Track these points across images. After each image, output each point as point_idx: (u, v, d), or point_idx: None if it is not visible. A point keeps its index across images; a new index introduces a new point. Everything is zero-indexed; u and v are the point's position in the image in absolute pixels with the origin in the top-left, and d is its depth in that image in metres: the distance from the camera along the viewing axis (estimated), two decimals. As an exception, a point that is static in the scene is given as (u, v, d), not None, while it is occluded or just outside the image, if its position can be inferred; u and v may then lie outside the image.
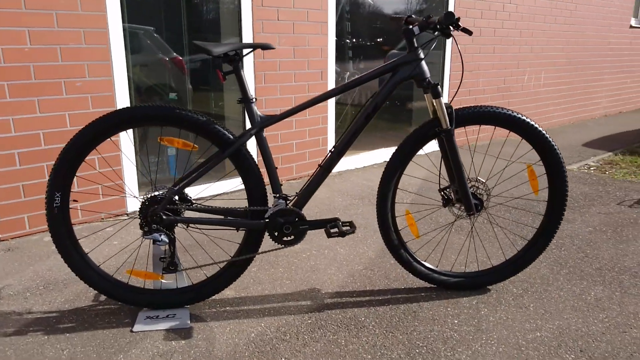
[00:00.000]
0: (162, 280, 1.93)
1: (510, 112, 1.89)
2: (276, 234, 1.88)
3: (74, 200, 1.88)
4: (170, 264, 1.83)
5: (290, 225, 1.86)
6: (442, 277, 2.09)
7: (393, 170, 1.95)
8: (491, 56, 5.09)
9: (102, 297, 2.05)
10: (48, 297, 2.05)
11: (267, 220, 1.85)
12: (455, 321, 1.89)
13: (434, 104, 1.86)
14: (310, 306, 1.99)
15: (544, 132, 1.91)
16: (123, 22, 2.78)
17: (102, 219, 2.89)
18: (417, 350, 1.71)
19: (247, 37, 3.30)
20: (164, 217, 1.77)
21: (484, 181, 1.99)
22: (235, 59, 1.75)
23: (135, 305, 1.91)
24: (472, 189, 1.96)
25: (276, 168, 1.85)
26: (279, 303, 2.01)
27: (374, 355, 1.69)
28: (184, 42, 3.37)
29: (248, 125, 3.43)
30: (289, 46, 3.50)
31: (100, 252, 2.48)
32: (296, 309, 1.97)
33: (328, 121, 3.87)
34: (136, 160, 3.01)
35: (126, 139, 2.90)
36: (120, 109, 1.73)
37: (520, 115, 1.90)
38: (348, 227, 1.88)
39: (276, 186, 1.87)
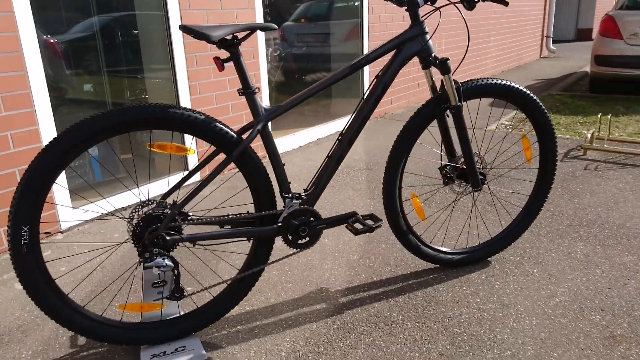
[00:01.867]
0: (162, 310, 1.64)
1: (509, 83, 1.86)
2: (290, 237, 1.68)
3: (46, 233, 1.50)
4: (176, 290, 1.56)
5: (306, 226, 1.67)
6: (448, 256, 2.05)
7: (400, 155, 1.83)
8: (407, 24, 5.13)
9: (82, 340, 1.70)
10: (9, 353, 1.65)
11: (279, 224, 1.65)
12: (478, 300, 1.86)
13: (443, 80, 1.76)
14: (327, 309, 1.84)
15: (540, 103, 1.92)
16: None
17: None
18: (459, 338, 1.65)
19: (174, 13, 2.92)
20: (168, 237, 1.48)
21: (482, 155, 1.96)
22: (234, 44, 1.49)
23: (136, 344, 1.60)
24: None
25: (283, 165, 1.64)
26: (293, 311, 1.83)
27: (421, 352, 1.60)
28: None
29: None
30: (218, 23, 3.18)
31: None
32: (314, 315, 1.81)
33: (261, 79, 3.62)
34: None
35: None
36: (100, 114, 1.39)
37: (519, 87, 1.88)
38: (372, 221, 1.74)
39: (285, 185, 1.66)
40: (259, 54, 3.52)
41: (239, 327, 1.75)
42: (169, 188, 1.58)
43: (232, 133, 1.54)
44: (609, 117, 3.44)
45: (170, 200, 1.57)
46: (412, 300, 1.88)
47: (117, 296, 1.95)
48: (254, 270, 1.67)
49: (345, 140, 1.72)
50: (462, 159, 1.94)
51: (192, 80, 3.08)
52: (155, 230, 1.48)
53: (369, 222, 1.73)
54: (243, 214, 1.62)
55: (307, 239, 1.71)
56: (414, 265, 2.12)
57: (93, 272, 2.14)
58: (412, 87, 5.55)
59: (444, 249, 2.05)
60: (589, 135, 3.50)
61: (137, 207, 1.52)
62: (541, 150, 2.02)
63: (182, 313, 1.68)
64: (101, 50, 2.97)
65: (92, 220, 2.66)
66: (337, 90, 4.94)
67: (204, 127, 1.49)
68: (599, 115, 3.57)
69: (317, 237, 1.72)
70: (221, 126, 1.52)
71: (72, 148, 1.37)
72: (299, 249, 1.71)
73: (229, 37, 1.48)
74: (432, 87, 1.85)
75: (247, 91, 1.54)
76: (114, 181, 3.13)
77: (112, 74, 3.06)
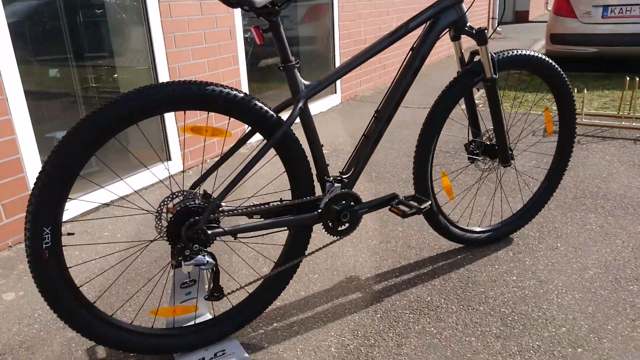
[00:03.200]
0: (197, 312, 1.48)
1: (540, 56, 1.81)
2: (331, 224, 1.56)
3: (70, 234, 1.29)
4: (215, 289, 1.40)
5: (347, 211, 1.55)
6: (475, 236, 2.00)
7: (432, 131, 1.74)
8: (370, 4, 5.04)
9: (101, 352, 1.51)
10: (17, 374, 1.44)
11: (319, 210, 1.52)
12: (514, 278, 1.82)
13: (479, 51, 1.68)
14: (364, 298, 1.73)
15: (565, 78, 1.89)
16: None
17: (10, 246, 2.16)
18: (509, 319, 1.60)
19: (150, -9, 2.67)
20: (209, 231, 1.32)
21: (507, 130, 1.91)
22: (275, 12, 1.33)
23: (171, 352, 1.43)
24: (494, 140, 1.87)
25: (322, 145, 1.50)
26: (328, 303, 1.71)
27: (476, 335, 1.53)
28: None
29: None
30: (196, 1, 2.95)
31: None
32: (352, 305, 1.69)
33: (239, 61, 3.42)
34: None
35: (24, 127, 2.16)
36: (133, 93, 1.20)
37: (549, 60, 1.83)
38: (416, 202, 1.64)
39: (325, 168, 1.53)
40: (236, 34, 3.32)
41: (275, 324, 1.61)
42: (199, 176, 1.41)
43: (272, 113, 1.38)
44: (584, 92, 3.52)
45: (199, 190, 1.40)
46: (448, 282, 1.80)
47: (143, 300, 1.75)
48: (294, 262, 1.54)
49: (384, 116, 1.60)
50: (487, 135, 1.89)
51: (172, 62, 2.85)
52: (194, 225, 1.31)
53: (413, 203, 1.63)
54: (279, 202, 1.47)
55: (347, 225, 1.59)
56: (438, 247, 2.05)
57: (118, 278, 1.92)
58: (378, 69, 5.49)
59: (471, 228, 2.00)
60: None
61: (167, 199, 1.35)
62: (562, 123, 1.99)
63: (212, 314, 1.52)
64: (66, 31, 2.67)
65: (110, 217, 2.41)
66: (307, 71, 4.79)
67: (245, 107, 1.33)
68: (575, 92, 3.65)
69: (357, 222, 1.60)
70: (261, 105, 1.36)
71: (97, 136, 1.18)
72: (338, 237, 1.59)
73: (269, 5, 1.32)
74: (461, 59, 1.77)
75: (289, 65, 1.39)
76: (89, 175, 2.86)
77: (80, 59, 2.77)
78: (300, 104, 1.41)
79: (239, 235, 1.43)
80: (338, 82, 4.71)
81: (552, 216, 2.27)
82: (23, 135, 2.16)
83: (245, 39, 3.53)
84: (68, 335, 1.59)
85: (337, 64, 4.65)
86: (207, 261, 1.34)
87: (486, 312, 1.63)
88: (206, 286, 1.50)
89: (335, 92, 4.70)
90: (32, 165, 2.21)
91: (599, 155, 3.02)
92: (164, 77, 2.82)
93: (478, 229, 2.01)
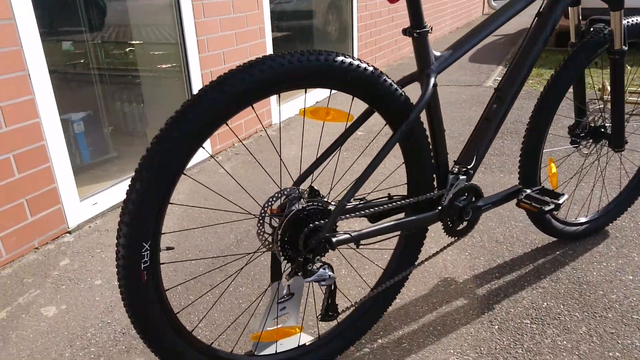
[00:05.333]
0: (302, 334, 1.23)
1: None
2: (451, 224, 1.32)
3: (167, 248, 1.02)
4: (331, 307, 1.15)
5: (470, 208, 1.31)
6: (573, 229, 1.79)
7: (547, 113, 1.51)
8: (385, -25, 4.74)
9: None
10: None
11: (440, 208, 1.27)
12: (630, 277, 1.62)
13: (612, 18, 1.44)
14: (471, 305, 1.51)
15: None
16: None
17: (37, 247, 1.86)
18: (648, 327, 1.40)
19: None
20: (334, 239, 1.06)
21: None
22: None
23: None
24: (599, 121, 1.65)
25: (444, 131, 1.26)
26: (432, 312, 1.48)
27: (619, 350, 1.32)
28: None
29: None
30: (224, -36, 2.62)
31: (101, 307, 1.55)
32: (462, 315, 1.47)
33: (266, 34, 3.12)
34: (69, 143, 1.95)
35: (48, 103, 1.84)
36: (247, 67, 0.92)
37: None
38: (548, 196, 1.41)
39: (446, 158, 1.28)
40: (263, 4, 3.00)
41: (380, 340, 1.38)
42: (304, 170, 1.14)
43: (401, 90, 1.12)
44: (628, 68, 3.33)
45: (303, 186, 1.14)
46: (559, 284, 1.59)
47: (239, 322, 1.49)
48: (409, 271, 1.30)
49: (507, 95, 1.35)
50: (595, 115, 1.66)
51: (201, 34, 2.53)
52: (316, 232, 1.06)
53: (545, 197, 1.40)
54: (406, 198, 1.22)
55: (465, 223, 1.35)
56: (529, 241, 1.83)
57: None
58: (391, 45, 5.22)
59: (570, 221, 1.78)
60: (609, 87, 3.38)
61: (272, 199, 1.08)
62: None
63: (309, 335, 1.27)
64: (81, 3, 2.33)
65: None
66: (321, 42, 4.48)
67: (374, 83, 1.06)
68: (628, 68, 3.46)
69: (476, 221, 1.36)
70: (390, 82, 1.10)
71: (211, 121, 0.90)
72: (456, 237, 1.35)
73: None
74: (577, 28, 1.53)
75: (422, 31, 1.12)
76: (106, 163, 2.55)
77: (98, 32, 2.44)
78: (433, 80, 1.15)
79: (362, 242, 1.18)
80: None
81: (637, 202, 2.07)
82: (48, 118, 1.84)
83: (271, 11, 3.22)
84: (135, 361, 1.32)
85: (355, 34, 4.36)
86: (329, 276, 1.09)
87: (617, 320, 1.43)
88: (302, 298, 1.24)
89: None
90: (58, 154, 1.90)
91: (656, 135, 2.84)
92: (192, 51, 2.50)
93: (578, 221, 1.80)
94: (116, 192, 2.18)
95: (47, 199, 1.88)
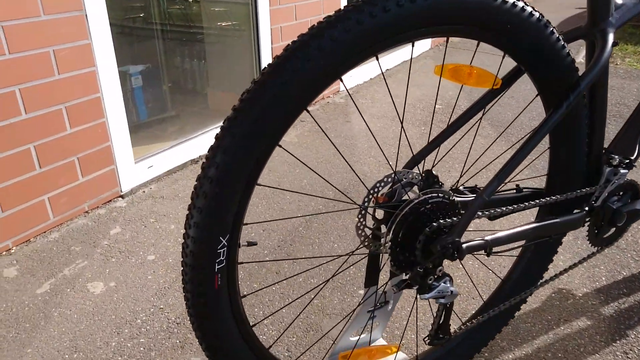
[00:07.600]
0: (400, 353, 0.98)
1: None
2: (597, 230, 1.02)
3: (249, 243, 0.77)
4: (443, 328, 0.89)
5: (626, 210, 1.01)
6: None
7: None
8: None
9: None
10: None
11: (589, 209, 0.98)
12: None
13: None
14: (597, 328, 1.22)
15: None
16: None
17: (87, 211, 1.68)
18: None
19: None
20: (464, 246, 0.79)
21: None
22: None
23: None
24: None
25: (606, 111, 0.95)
26: (549, 333, 1.20)
27: None
28: None
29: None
30: None
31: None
32: (588, 340, 1.18)
33: None
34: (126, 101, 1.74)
35: (105, 52, 1.63)
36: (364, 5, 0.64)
37: None
38: None
39: (601, 145, 0.98)
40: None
41: (486, 354, 1.12)
42: (422, 148, 0.87)
43: (568, 50, 0.82)
44: None
45: (416, 169, 0.88)
46: None
47: (325, 339, 1.27)
48: (535, 287, 1.01)
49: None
50: None
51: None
52: (441, 233, 0.79)
53: None
54: (572, 195, 0.94)
55: (613, 230, 1.05)
56: (631, 247, 1.51)
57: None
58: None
59: None
60: None
61: (379, 185, 0.82)
62: None
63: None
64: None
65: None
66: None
67: (539, 37, 0.76)
68: None
69: (627, 228, 1.06)
70: (558, 35, 0.80)
71: (329, 74, 0.64)
72: (600, 247, 1.05)
73: None
74: None
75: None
76: (163, 122, 2.35)
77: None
78: (612, 37, 0.84)
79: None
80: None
81: None
82: (105, 67, 1.63)
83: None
84: (190, 359, 1.12)
85: None
86: (452, 292, 0.83)
87: None
88: (389, 308, 0.98)
89: (427, 36, 4.04)
90: (114, 109, 1.70)
91: None
92: (263, 2, 2.24)
93: None
94: (173, 155, 1.97)
95: (100, 159, 1.69)
